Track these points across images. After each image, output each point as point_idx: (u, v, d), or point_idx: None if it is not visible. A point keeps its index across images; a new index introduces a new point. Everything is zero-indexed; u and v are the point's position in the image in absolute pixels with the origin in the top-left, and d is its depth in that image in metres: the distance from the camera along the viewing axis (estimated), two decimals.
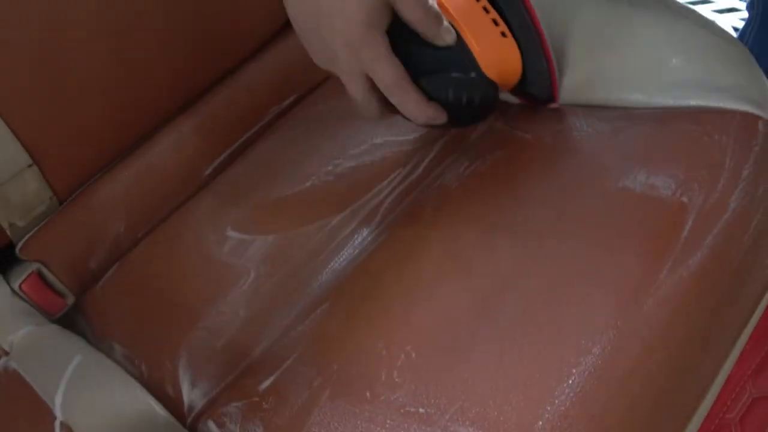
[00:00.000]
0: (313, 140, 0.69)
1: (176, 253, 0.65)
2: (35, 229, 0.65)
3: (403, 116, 0.53)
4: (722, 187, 0.47)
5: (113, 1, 0.63)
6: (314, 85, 0.78)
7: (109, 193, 0.68)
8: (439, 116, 0.52)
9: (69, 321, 0.65)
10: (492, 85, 0.52)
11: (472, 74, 0.51)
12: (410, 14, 0.48)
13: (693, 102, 0.52)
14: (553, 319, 0.43)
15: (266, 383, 0.48)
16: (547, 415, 0.39)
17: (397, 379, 0.43)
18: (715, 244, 0.45)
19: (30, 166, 0.63)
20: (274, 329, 0.53)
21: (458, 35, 0.50)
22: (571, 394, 0.39)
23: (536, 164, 0.55)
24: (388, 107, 0.53)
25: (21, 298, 0.63)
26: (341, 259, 0.56)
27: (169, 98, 0.71)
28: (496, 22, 0.51)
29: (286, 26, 0.77)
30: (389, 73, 0.49)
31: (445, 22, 0.50)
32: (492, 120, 0.62)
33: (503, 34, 0.51)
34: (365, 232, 0.58)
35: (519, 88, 0.55)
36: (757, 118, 0.49)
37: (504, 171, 0.56)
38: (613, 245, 0.46)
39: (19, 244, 0.65)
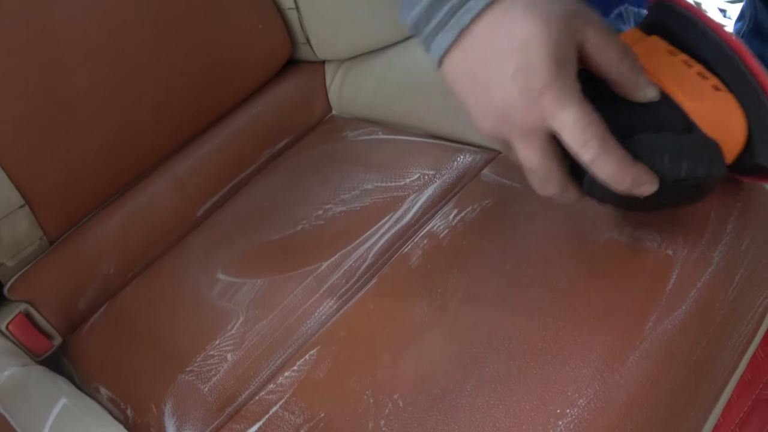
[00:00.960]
0: (304, 184, 0.70)
1: (165, 295, 0.65)
2: (24, 269, 0.66)
3: (590, 190, 0.41)
4: (706, 240, 0.48)
5: (108, 50, 0.65)
6: (307, 129, 0.79)
7: (99, 234, 0.68)
8: (647, 178, 0.38)
9: (55, 361, 0.65)
10: (717, 150, 0.39)
11: (690, 135, 0.39)
12: (604, 58, 0.38)
13: None
14: (540, 371, 0.43)
15: (252, 430, 0.48)
16: None
17: (384, 429, 0.43)
18: (700, 297, 0.45)
19: (22, 206, 0.63)
20: (262, 374, 0.53)
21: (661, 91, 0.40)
22: None
23: (524, 214, 0.56)
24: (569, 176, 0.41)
25: (7, 338, 0.62)
26: (330, 305, 0.56)
27: (163, 142, 0.71)
28: (703, 76, 0.40)
29: (282, 71, 0.78)
30: (584, 121, 0.36)
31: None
32: (480, 167, 0.63)
33: (716, 88, 0.39)
34: (354, 278, 0.58)
35: (744, 159, 0.41)
36: None
37: (492, 220, 0.57)
38: (599, 297, 0.46)
39: (8, 284, 0.65)
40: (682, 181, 0.39)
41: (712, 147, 0.39)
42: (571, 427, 0.40)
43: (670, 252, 0.47)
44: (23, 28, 0.60)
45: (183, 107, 0.71)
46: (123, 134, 0.68)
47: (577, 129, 0.36)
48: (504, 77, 0.37)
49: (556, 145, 0.39)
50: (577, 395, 0.41)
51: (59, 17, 0.62)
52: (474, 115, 0.41)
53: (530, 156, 0.39)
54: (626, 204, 0.43)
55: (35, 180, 0.63)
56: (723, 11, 1.43)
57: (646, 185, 0.38)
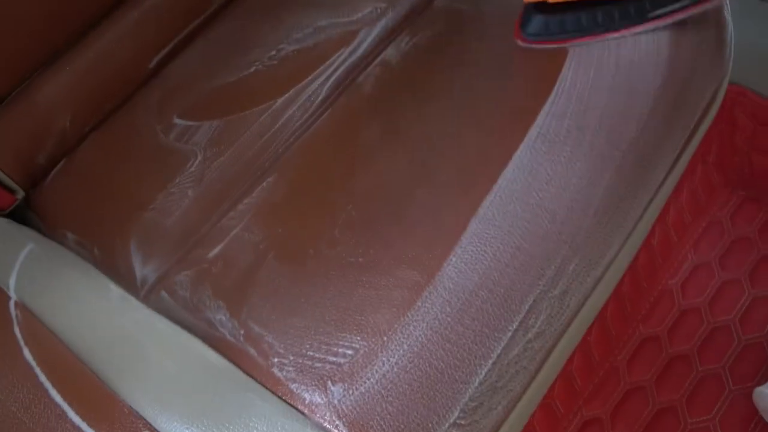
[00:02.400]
0: (257, 27, 0.68)
1: (123, 143, 0.65)
2: None
3: None
4: None
5: None
6: None
7: (51, 89, 0.67)
8: None
9: (21, 216, 0.65)
10: None
11: None
12: None
13: None
14: (486, 171, 0.44)
15: (214, 252, 0.49)
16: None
17: (338, 236, 0.45)
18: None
19: None
20: (222, 205, 0.54)
21: None
22: None
23: (474, 36, 0.56)
24: None
25: None
26: (285, 137, 0.56)
27: None
28: None
29: None
30: None
31: None
32: None
33: None
34: (309, 111, 0.58)
35: None
36: None
37: (442, 43, 0.56)
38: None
39: None
40: None
41: None
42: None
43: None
44: None
45: None
46: None
47: None
48: None
49: None
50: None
51: None
52: None
53: None
54: None
55: None
56: None
57: None
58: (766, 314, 0.72)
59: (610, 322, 0.70)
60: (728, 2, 0.50)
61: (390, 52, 0.59)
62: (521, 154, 0.44)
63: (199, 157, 0.59)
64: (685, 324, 0.73)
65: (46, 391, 0.43)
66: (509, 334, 0.38)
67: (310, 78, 0.60)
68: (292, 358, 0.39)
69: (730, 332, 0.72)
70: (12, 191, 0.65)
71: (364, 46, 0.61)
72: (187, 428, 0.38)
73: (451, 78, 0.52)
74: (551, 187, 0.42)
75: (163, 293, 0.49)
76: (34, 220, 0.65)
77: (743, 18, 0.67)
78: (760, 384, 0.66)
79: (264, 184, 0.53)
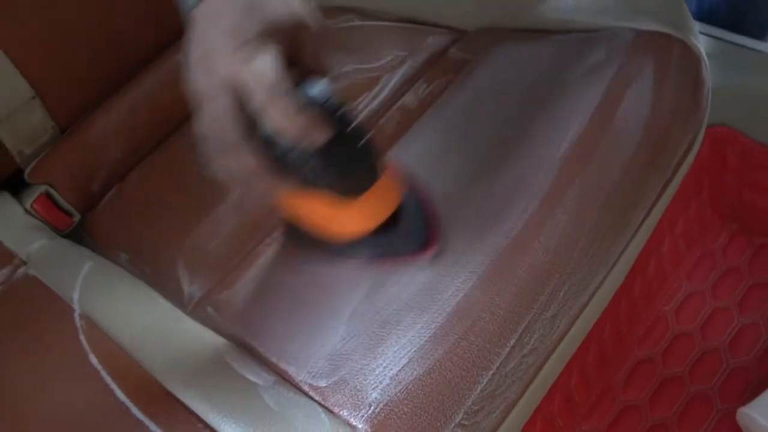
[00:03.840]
0: None
1: (169, 174, 0.72)
2: (41, 156, 0.73)
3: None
4: None
5: None
6: None
7: (106, 123, 0.75)
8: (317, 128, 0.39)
9: (77, 238, 0.73)
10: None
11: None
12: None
13: (612, 23, 0.59)
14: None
15: (251, 273, 0.57)
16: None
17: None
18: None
19: (33, 98, 0.70)
20: (258, 232, 0.61)
21: None
22: None
23: (484, 85, 0.63)
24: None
25: (33, 216, 0.70)
26: None
27: (157, 36, 0.77)
28: None
29: None
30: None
31: None
32: (447, 46, 0.69)
33: None
34: None
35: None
36: (668, 37, 0.56)
37: (456, 92, 0.64)
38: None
39: (27, 170, 0.72)
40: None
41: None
42: None
43: None
44: None
45: (171, 7, 0.76)
46: (118, 31, 0.73)
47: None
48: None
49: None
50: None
51: None
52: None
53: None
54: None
55: (43, 73, 0.69)
56: None
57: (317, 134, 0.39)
58: (753, 339, 0.78)
59: (608, 344, 0.76)
60: (706, 60, 0.57)
61: (409, 98, 0.66)
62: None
63: (240, 189, 0.66)
64: (677, 347, 0.79)
65: (111, 391, 0.50)
66: (507, 349, 0.45)
67: None
68: (326, 369, 0.46)
69: (719, 356, 0.78)
70: (69, 214, 0.72)
71: (386, 91, 0.69)
72: (234, 424, 0.45)
73: (466, 130, 0.59)
74: (546, 221, 0.49)
75: (209, 309, 0.56)
76: (88, 241, 0.72)
77: (730, 64, 0.74)
78: (744, 404, 0.72)
79: None
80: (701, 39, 0.62)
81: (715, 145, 0.79)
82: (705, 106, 0.56)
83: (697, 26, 0.58)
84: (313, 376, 0.46)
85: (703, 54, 0.56)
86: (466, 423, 0.43)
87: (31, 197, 0.70)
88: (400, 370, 0.43)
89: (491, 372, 0.44)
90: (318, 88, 0.41)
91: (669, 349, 0.79)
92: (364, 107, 0.68)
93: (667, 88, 0.54)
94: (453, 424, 0.43)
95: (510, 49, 0.65)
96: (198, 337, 0.53)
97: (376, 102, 0.67)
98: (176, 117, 0.77)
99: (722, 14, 0.78)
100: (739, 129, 0.77)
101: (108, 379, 0.51)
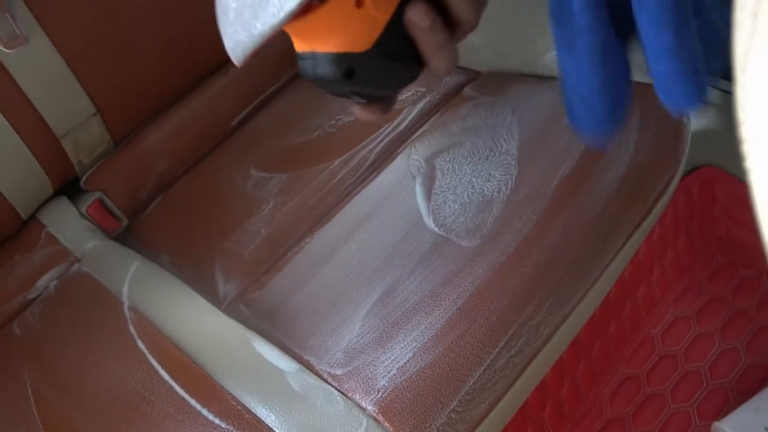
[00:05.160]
0: (320, 99, 0.85)
1: (210, 187, 0.81)
2: (96, 165, 0.82)
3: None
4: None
5: None
6: None
7: (154, 139, 0.84)
8: None
9: (122, 241, 0.82)
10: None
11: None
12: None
13: None
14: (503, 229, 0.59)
15: (280, 274, 0.65)
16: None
17: (378, 269, 0.60)
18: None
19: (94, 114, 0.79)
20: (287, 242, 0.70)
21: None
22: None
23: (493, 121, 0.71)
24: None
25: (87, 219, 0.79)
26: (339, 193, 0.72)
27: (204, 61, 0.86)
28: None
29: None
30: None
31: None
32: (462, 85, 0.78)
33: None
34: (359, 172, 0.74)
35: None
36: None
37: (469, 127, 0.72)
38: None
39: (84, 178, 0.82)
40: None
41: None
42: None
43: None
44: None
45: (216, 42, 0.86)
46: (171, 54, 0.83)
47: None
48: None
49: None
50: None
51: None
52: None
53: None
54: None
55: (104, 93, 0.78)
56: None
57: None
58: (732, 363, 0.85)
59: (598, 361, 0.84)
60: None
61: (426, 129, 0.75)
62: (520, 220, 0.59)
63: (271, 203, 0.75)
64: (662, 367, 0.86)
65: (157, 372, 0.58)
66: (497, 350, 0.53)
67: (361, 145, 0.76)
68: (342, 360, 0.54)
69: (700, 376, 0.85)
70: (119, 219, 0.81)
71: (407, 122, 0.77)
72: (262, 406, 0.53)
73: (475, 156, 0.68)
74: (537, 243, 0.57)
75: (241, 306, 0.65)
76: (134, 243, 0.81)
77: (719, 108, 0.82)
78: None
79: (319, 230, 0.68)
80: None
81: (705, 184, 0.87)
82: (683, 150, 0.63)
83: None
84: (331, 366, 0.54)
85: None
86: (460, 410, 0.51)
87: (86, 202, 0.79)
88: (405, 363, 0.51)
89: (483, 368, 0.52)
90: None
91: (654, 368, 0.86)
92: (386, 135, 0.76)
93: (649, 133, 0.62)
94: (448, 410, 0.50)
95: (518, 91, 0.74)
96: (232, 329, 0.61)
97: (397, 131, 0.76)
98: (218, 134, 0.86)
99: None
100: (727, 169, 0.85)
101: (154, 362, 0.59)
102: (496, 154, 0.67)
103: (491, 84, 0.77)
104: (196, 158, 0.85)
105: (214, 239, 0.74)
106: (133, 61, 0.80)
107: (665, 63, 0.36)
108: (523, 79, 0.76)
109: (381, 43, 0.38)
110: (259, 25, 0.37)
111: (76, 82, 0.76)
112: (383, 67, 0.40)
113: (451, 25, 0.40)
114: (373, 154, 0.75)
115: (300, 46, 0.41)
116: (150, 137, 0.84)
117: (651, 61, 0.37)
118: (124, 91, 0.81)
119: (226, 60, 0.82)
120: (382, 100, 0.44)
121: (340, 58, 0.39)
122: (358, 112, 0.44)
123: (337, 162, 0.76)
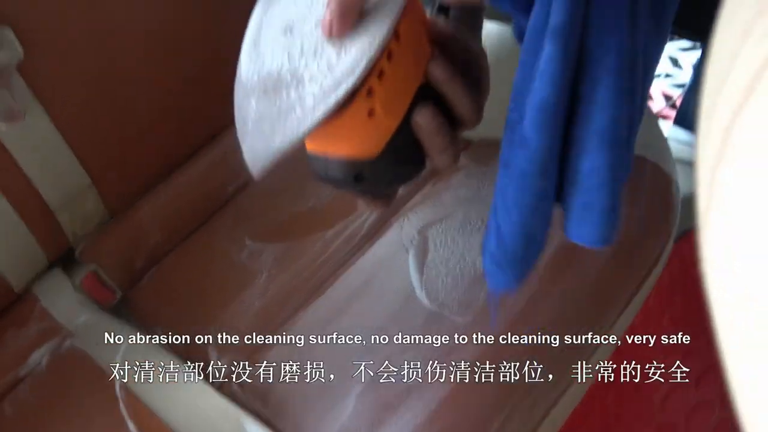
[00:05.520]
0: None
1: (204, 258, 0.81)
2: (91, 237, 0.82)
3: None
4: None
5: (157, 57, 0.80)
6: None
7: (149, 210, 0.84)
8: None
9: (116, 312, 0.81)
10: None
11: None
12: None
13: None
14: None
15: (272, 353, 0.64)
16: None
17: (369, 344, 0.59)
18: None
19: (90, 187, 0.79)
20: (281, 315, 0.69)
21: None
22: None
23: (484, 191, 0.72)
24: None
25: (81, 292, 0.79)
26: (333, 264, 0.72)
27: (198, 132, 0.87)
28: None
29: None
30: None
31: None
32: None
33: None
34: (353, 243, 0.74)
35: None
36: (643, 159, 0.65)
37: (460, 196, 0.72)
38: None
39: (78, 249, 0.82)
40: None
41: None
42: None
43: None
44: (87, 26, 0.76)
45: (214, 105, 0.87)
46: (165, 127, 0.84)
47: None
48: None
49: None
50: None
51: (119, 18, 0.78)
52: None
53: None
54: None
55: (100, 164, 0.79)
56: (674, 60, 1.41)
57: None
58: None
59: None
60: (677, 181, 0.65)
61: (417, 199, 0.75)
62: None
63: (265, 275, 0.75)
64: None
65: None
66: (495, 425, 0.52)
67: (354, 215, 0.77)
68: None
69: None
70: (112, 291, 0.81)
71: (399, 191, 0.77)
72: None
73: (464, 224, 0.68)
74: (529, 319, 0.57)
75: (234, 386, 0.64)
76: (127, 315, 0.81)
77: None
78: None
79: (314, 302, 0.68)
80: (683, 149, 0.71)
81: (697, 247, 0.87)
82: (673, 221, 0.64)
83: (671, 151, 0.67)
84: None
85: (675, 176, 0.65)
86: None
87: (80, 274, 0.79)
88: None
89: None
90: None
91: None
92: None
93: (639, 205, 0.62)
94: None
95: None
96: (224, 410, 0.61)
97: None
98: (213, 204, 0.87)
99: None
100: None
101: None
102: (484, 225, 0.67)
103: (483, 152, 0.78)
104: (191, 228, 0.85)
105: (209, 312, 0.73)
106: (128, 133, 0.81)
107: (594, 191, 0.37)
108: None
109: (389, 147, 0.40)
110: (278, 140, 0.38)
111: (72, 155, 0.77)
112: (391, 169, 0.41)
113: (454, 123, 0.41)
114: (366, 225, 0.75)
115: (312, 147, 0.42)
116: (145, 208, 0.84)
117: (576, 189, 0.38)
118: (120, 163, 0.82)
119: (220, 130, 0.83)
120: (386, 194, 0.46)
121: (351, 163, 0.40)
122: (363, 204, 0.46)
123: (330, 232, 0.76)
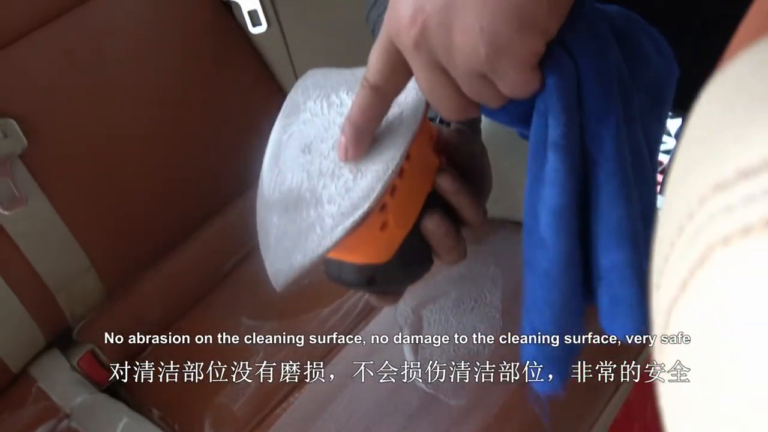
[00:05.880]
0: None
1: (200, 337, 0.82)
2: (88, 317, 0.83)
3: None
4: None
5: (155, 144, 0.83)
6: None
7: (146, 289, 0.85)
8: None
9: (113, 390, 0.82)
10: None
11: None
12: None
13: None
14: None
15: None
16: None
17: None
18: None
19: (89, 268, 0.81)
20: (277, 395, 0.70)
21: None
22: None
23: (482, 270, 0.73)
24: None
25: (77, 371, 0.79)
26: (328, 342, 0.73)
27: (195, 211, 0.89)
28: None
29: None
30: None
31: None
32: None
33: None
34: (349, 320, 0.75)
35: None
36: None
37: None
38: None
39: (76, 329, 0.82)
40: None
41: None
42: None
43: None
44: (88, 117, 0.78)
45: (209, 188, 0.89)
46: (164, 205, 0.86)
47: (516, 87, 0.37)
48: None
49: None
50: None
51: (119, 108, 0.81)
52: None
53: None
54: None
55: (99, 247, 0.81)
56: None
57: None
58: None
59: None
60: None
61: None
62: None
63: (261, 353, 0.75)
64: None
65: None
66: None
67: (349, 294, 0.78)
68: None
69: None
70: (108, 370, 0.81)
71: None
72: None
73: (462, 296, 0.69)
74: (523, 402, 0.58)
75: None
76: (124, 395, 0.81)
77: None
78: None
79: (310, 384, 0.69)
80: None
81: None
82: None
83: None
84: None
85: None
86: None
87: (77, 355, 0.80)
88: None
89: None
90: None
91: None
92: None
93: None
94: None
95: (501, 239, 0.76)
96: None
97: None
98: (210, 281, 0.88)
99: None
100: None
101: None
102: (481, 305, 0.68)
103: (474, 232, 0.79)
104: (188, 306, 0.86)
105: (204, 392, 0.74)
106: (127, 215, 0.83)
107: (618, 285, 0.38)
108: (505, 225, 0.79)
109: (400, 251, 0.41)
110: (299, 257, 0.39)
111: (72, 239, 0.78)
112: (402, 270, 0.43)
113: (459, 224, 0.43)
114: (361, 302, 0.76)
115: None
116: (143, 287, 0.85)
117: (603, 284, 0.39)
118: (119, 244, 0.83)
119: (218, 209, 0.85)
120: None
121: (365, 269, 0.42)
122: (373, 301, 0.47)
123: (326, 311, 0.77)
